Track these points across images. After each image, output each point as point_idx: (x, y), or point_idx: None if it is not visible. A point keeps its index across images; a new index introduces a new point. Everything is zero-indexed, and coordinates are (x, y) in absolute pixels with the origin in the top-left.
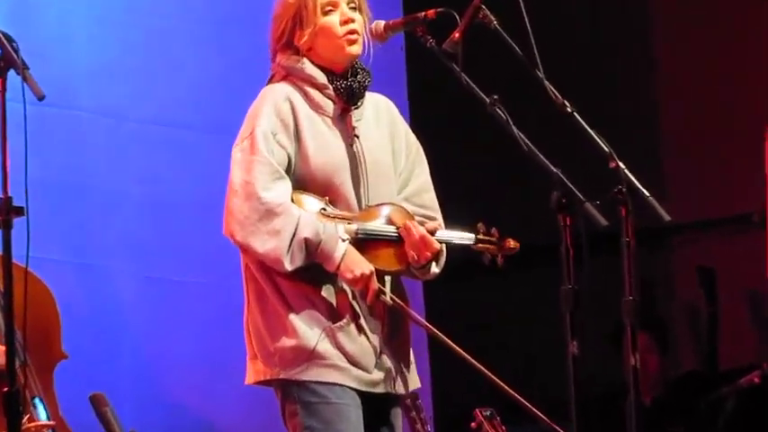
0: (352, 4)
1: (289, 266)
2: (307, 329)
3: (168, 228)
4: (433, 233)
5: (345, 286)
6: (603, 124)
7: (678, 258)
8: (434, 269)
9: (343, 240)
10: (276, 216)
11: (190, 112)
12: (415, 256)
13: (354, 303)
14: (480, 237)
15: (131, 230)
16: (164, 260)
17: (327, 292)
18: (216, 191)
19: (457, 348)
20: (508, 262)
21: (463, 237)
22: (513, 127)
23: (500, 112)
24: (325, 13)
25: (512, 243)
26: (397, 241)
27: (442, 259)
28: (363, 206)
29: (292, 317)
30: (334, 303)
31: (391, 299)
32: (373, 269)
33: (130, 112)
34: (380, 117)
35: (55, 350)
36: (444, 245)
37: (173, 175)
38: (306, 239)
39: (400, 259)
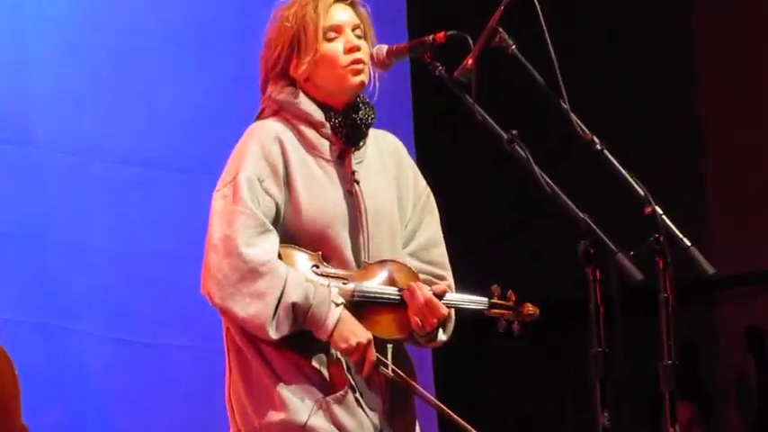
0: (358, 31)
1: (274, 335)
2: (297, 401)
3: (141, 283)
4: (440, 296)
5: (340, 356)
6: (638, 163)
7: (724, 317)
8: (441, 337)
9: (337, 305)
10: (260, 276)
11: (166, 151)
12: (420, 323)
13: (350, 376)
14: (495, 301)
15: (98, 286)
16: (136, 320)
17: (319, 362)
18: (196, 240)
19: (471, 430)
20: (527, 327)
21: (475, 301)
22: (535, 166)
23: (520, 149)
24: (328, 40)
25: (530, 308)
26: (399, 305)
27: (450, 325)
28: (362, 263)
29: (280, 387)
30: (327, 375)
31: (393, 371)
32: (371, 337)
33: (96, 150)
34: (385, 159)
35: (13, 422)
36: (453, 309)
37: (146, 223)
38: (294, 304)
39: (402, 326)
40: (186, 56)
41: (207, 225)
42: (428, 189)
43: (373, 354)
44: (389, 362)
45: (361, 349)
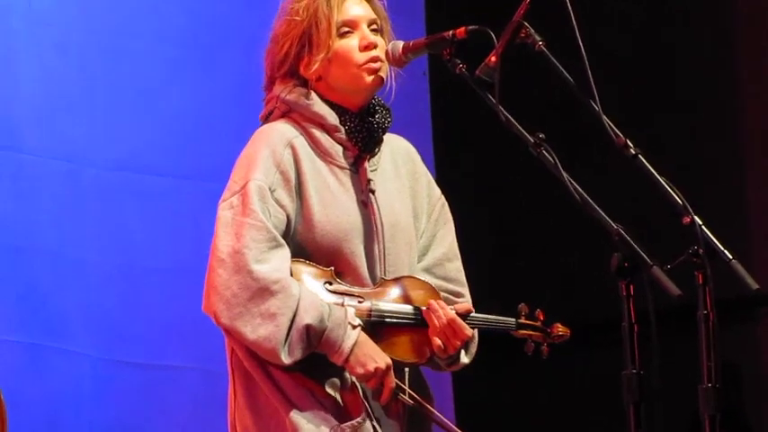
0: (375, 26)
1: (286, 359)
2: (311, 428)
3: (138, 299)
4: (464, 316)
5: (356, 381)
6: (677, 170)
7: None
8: (464, 359)
9: (354, 327)
10: (272, 295)
11: (163, 156)
12: (442, 345)
13: (366, 402)
14: (522, 321)
15: (92, 302)
16: (133, 340)
17: (332, 388)
18: (197, 253)
19: None
20: (555, 350)
21: (501, 321)
22: (564, 173)
23: (547, 154)
24: (342, 36)
25: (560, 329)
26: (418, 325)
27: (473, 347)
28: (378, 279)
29: (293, 413)
30: (341, 402)
31: (411, 397)
32: (390, 362)
33: (89, 156)
34: (399, 165)
35: None
36: (476, 330)
37: (143, 234)
38: (308, 326)
39: (421, 348)
40: (184, 56)
41: (210, 236)
42: (443, 198)
43: (392, 380)
44: (407, 387)
45: (379, 375)
